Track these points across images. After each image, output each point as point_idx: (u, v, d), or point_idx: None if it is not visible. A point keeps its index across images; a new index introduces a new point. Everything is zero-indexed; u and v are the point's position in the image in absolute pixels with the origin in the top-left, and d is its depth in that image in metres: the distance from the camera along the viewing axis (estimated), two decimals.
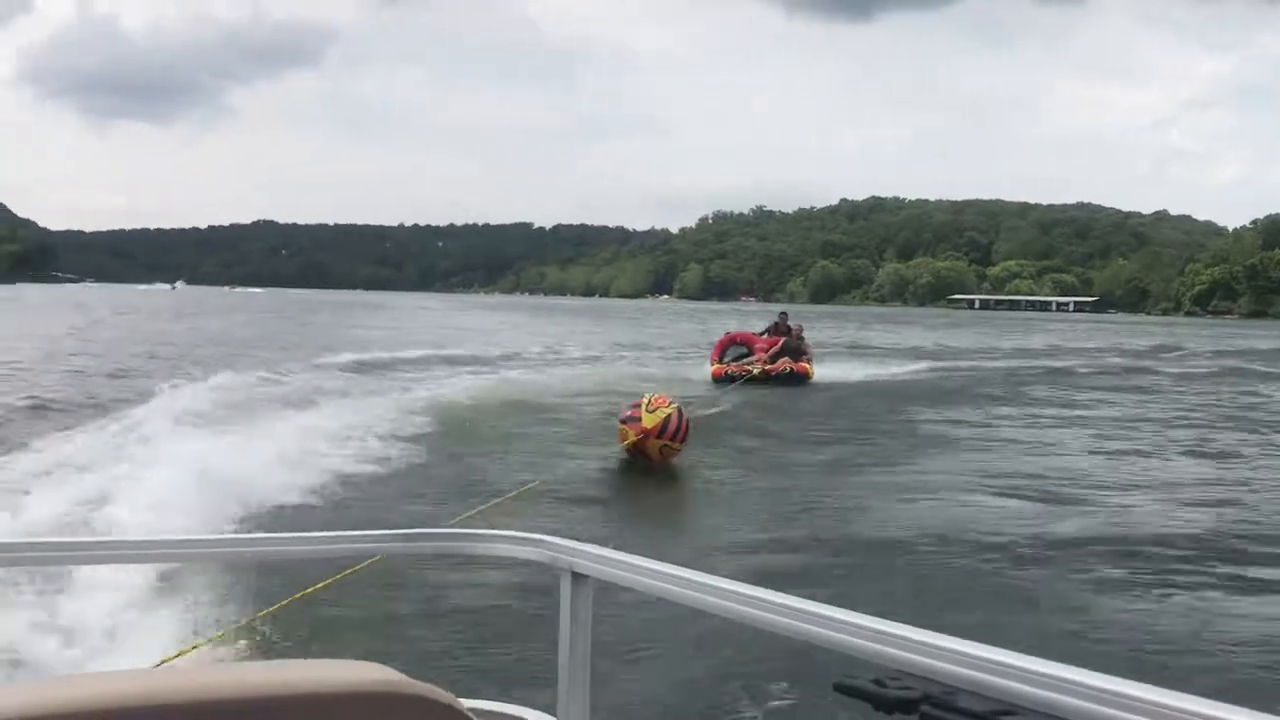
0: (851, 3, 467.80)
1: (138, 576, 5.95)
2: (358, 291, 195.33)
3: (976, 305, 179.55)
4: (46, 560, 2.34)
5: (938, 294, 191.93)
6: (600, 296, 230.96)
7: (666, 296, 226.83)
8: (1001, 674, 1.10)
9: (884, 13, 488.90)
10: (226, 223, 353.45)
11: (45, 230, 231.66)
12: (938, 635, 1.20)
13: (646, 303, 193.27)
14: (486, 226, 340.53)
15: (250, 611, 5.48)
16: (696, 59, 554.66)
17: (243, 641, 5.40)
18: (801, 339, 22.85)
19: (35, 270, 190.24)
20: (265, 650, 5.35)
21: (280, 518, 8.36)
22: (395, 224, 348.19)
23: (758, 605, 1.44)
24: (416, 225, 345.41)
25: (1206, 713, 0.96)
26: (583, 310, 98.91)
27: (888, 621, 1.26)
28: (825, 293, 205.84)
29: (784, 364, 21.47)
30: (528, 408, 16.81)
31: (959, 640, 1.18)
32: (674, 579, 1.59)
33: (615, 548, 1.77)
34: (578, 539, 1.83)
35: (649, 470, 11.55)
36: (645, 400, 11.74)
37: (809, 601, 1.38)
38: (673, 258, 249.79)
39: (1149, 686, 1.00)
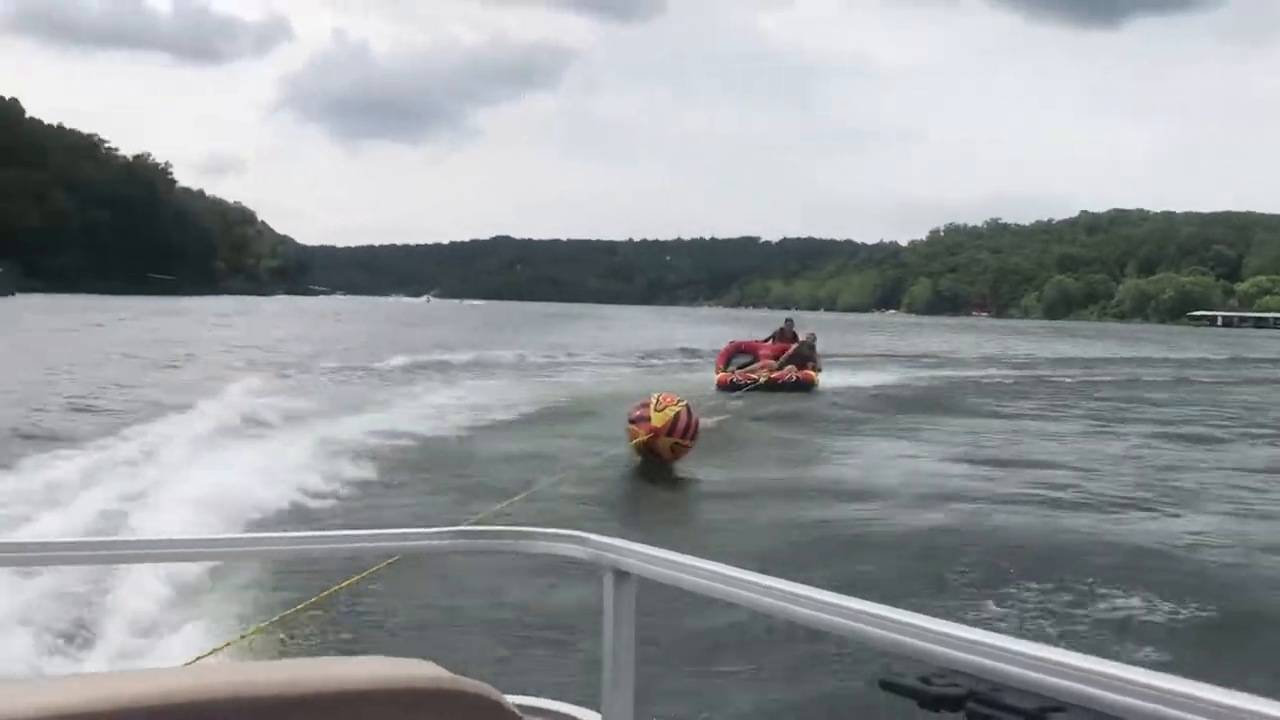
0: (1097, 7, 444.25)
1: (188, 574, 6.13)
2: (583, 304, 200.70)
3: (1219, 322, 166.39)
4: (123, 558, 2.29)
5: (1180, 310, 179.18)
6: (825, 310, 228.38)
7: (894, 310, 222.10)
8: (1048, 671, 1.08)
9: (1131, 17, 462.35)
10: (467, 238, 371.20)
11: (302, 246, 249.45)
12: (983, 632, 1.18)
13: (872, 316, 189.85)
14: (713, 240, 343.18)
15: (283, 607, 5.46)
16: (933, 69, 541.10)
17: (282, 636, 5.44)
18: (813, 347, 22.73)
19: (293, 283, 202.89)
20: (306, 647, 5.40)
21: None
22: (624, 239, 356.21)
23: (803, 603, 1.43)
24: (645, 240, 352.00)
25: (1269, 713, 0.92)
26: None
27: (933, 619, 1.25)
28: (1060, 308, 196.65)
29: (789, 372, 21.39)
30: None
31: (1005, 637, 1.16)
32: (718, 576, 1.57)
33: (658, 544, 1.74)
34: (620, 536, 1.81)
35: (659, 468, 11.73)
36: (654, 399, 11.81)
37: (855, 599, 1.36)
38: (901, 271, 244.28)
39: (1205, 685, 0.97)
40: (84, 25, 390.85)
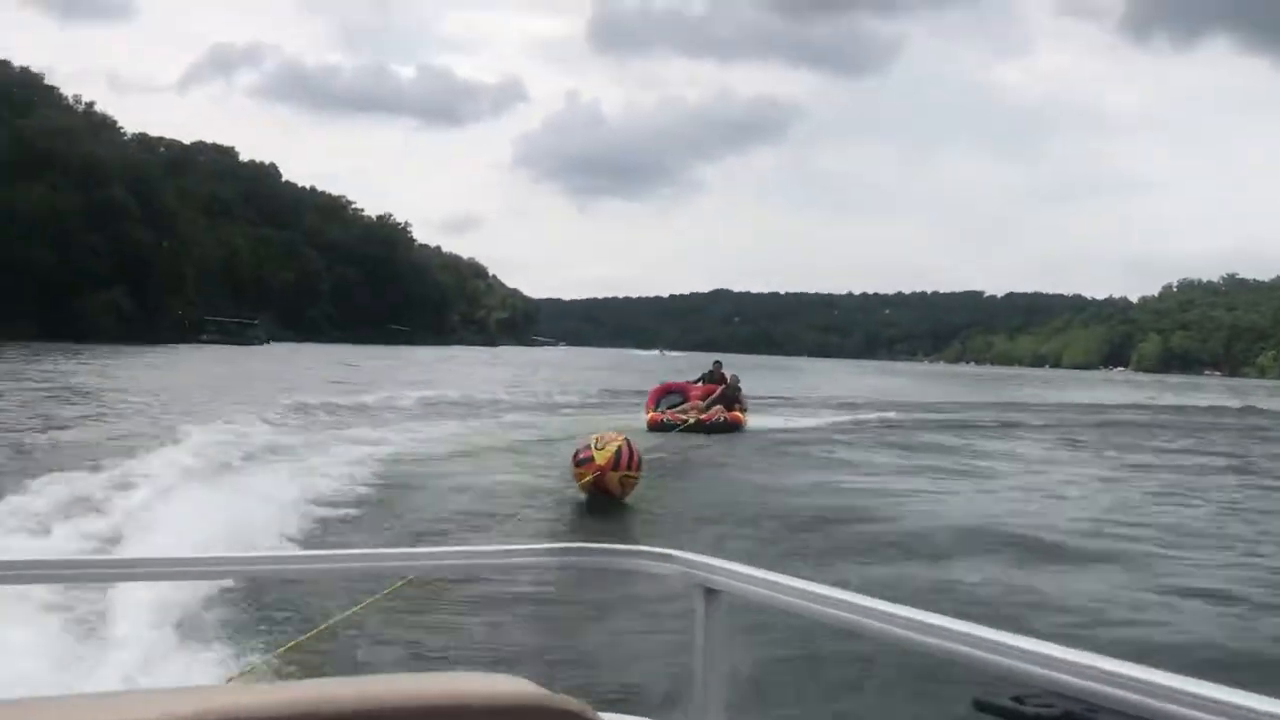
0: None
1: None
2: (793, 358, 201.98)
3: None
4: (160, 575, 2.34)
5: None
6: (1049, 367, 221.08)
7: (1121, 369, 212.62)
8: (1146, 692, 1.05)
9: None
10: (686, 291, 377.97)
11: (529, 298, 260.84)
12: (1078, 651, 1.16)
13: (1096, 374, 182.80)
14: (935, 294, 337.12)
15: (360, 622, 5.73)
16: (1169, 118, 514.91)
17: (369, 650, 5.62)
18: (738, 389, 23.30)
19: (518, 334, 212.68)
20: (396, 661, 5.53)
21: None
22: (844, 292, 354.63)
23: (897, 622, 1.43)
24: (865, 293, 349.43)
25: None
26: (1002, 379, 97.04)
27: (1027, 638, 1.23)
28: None
29: (717, 412, 21.90)
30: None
31: (1100, 656, 1.14)
32: (811, 595, 1.59)
33: (748, 562, 1.77)
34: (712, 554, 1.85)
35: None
36: (594, 439, 12.07)
37: (949, 618, 1.35)
38: (1130, 327, 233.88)
39: None
40: (336, 92, 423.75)
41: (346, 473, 13.28)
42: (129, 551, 6.94)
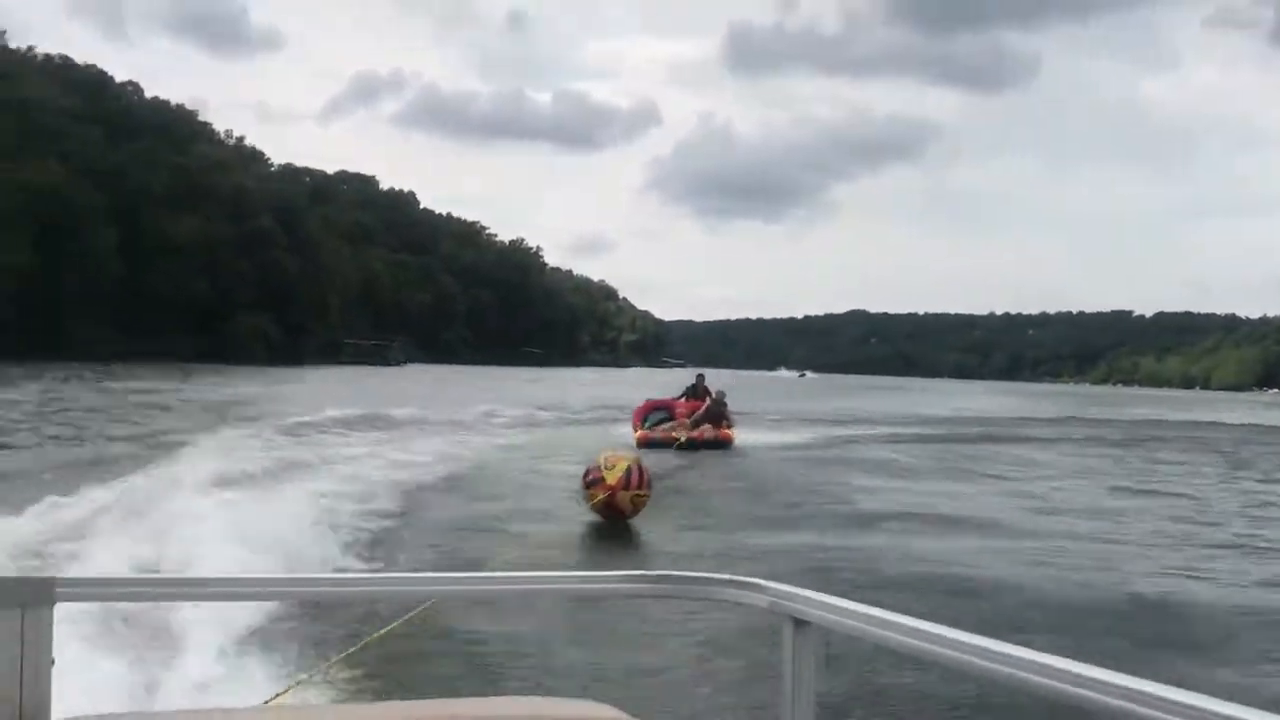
0: None
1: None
2: (929, 379, 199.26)
3: None
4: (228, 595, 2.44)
5: None
6: (1199, 388, 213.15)
7: (1276, 390, 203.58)
8: None
9: None
10: (821, 312, 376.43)
11: (659, 321, 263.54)
12: (1225, 703, 1.09)
13: (1246, 395, 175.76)
14: (1080, 314, 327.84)
15: (466, 646, 5.88)
16: None
17: (455, 676, 5.76)
18: (724, 404, 22.94)
19: (648, 356, 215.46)
20: (482, 686, 5.58)
21: None
22: (985, 312, 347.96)
23: (1006, 662, 1.34)
24: (1007, 314, 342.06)
25: None
26: (1122, 399, 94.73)
27: (1167, 686, 1.15)
28: None
29: (706, 430, 21.54)
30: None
31: (1246, 709, 1.09)
32: (907, 630, 1.54)
33: (838, 594, 1.75)
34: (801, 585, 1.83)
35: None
36: (602, 459, 12.00)
37: (1075, 662, 1.26)
38: None
39: None
40: (474, 118, 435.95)
41: None
42: (204, 569, 7.22)
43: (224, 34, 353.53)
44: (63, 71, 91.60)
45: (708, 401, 22.96)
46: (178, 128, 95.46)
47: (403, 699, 2.28)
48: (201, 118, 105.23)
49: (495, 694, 4.27)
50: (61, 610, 1.75)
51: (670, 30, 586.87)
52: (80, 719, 1.76)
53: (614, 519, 11.54)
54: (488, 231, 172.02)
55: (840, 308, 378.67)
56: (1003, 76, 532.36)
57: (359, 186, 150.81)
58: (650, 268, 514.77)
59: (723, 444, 21.21)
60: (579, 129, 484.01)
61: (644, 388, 66.66)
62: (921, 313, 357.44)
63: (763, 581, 1.86)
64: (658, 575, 2.05)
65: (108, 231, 76.46)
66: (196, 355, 72.67)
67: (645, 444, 19.91)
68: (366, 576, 2.50)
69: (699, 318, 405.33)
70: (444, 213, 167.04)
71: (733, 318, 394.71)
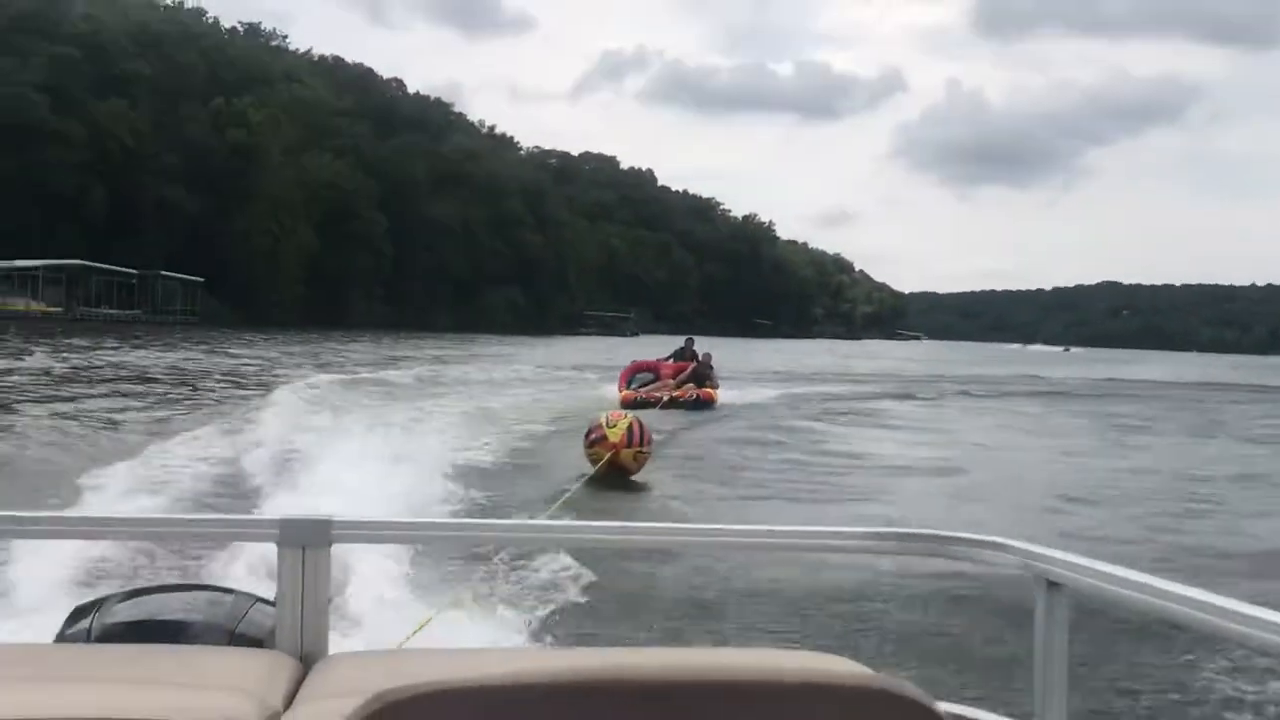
0: None
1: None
2: (1180, 353, 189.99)
3: None
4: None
5: None
6: None
7: None
8: None
9: None
10: (1070, 284, 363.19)
11: (897, 292, 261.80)
12: None
13: None
14: None
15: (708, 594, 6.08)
16: None
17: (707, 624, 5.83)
18: (710, 367, 23.54)
19: (885, 328, 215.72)
20: (722, 637, 5.61)
21: None
22: (1247, 283, 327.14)
23: (1272, 629, 1.30)
24: (1271, 285, 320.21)
25: None
26: None
27: None
28: None
29: (690, 390, 22.06)
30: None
31: None
32: (1165, 594, 1.48)
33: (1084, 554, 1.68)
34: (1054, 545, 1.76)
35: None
36: (603, 419, 12.29)
37: None
38: None
39: None
40: (716, 92, 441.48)
41: None
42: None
43: (478, 17, 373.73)
44: (335, 70, 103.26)
45: (694, 364, 23.56)
46: (436, 120, 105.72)
47: (633, 646, 2.65)
48: (457, 99, 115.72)
49: (725, 644, 4.34)
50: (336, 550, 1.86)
51: None
52: (355, 653, 1.94)
53: (617, 475, 11.75)
54: (722, 207, 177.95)
55: (1091, 278, 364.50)
56: (1275, 32, 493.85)
57: (600, 166, 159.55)
58: (894, 238, 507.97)
59: (706, 404, 21.60)
60: (821, 99, 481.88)
61: (858, 358, 69.78)
62: (1178, 284, 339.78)
63: (1013, 541, 1.83)
64: (901, 532, 2.06)
65: (378, 216, 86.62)
66: (454, 326, 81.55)
67: (630, 404, 19.86)
68: (603, 524, 2.55)
69: (942, 289, 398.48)
70: (680, 189, 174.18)
71: (977, 289, 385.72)
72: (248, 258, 75.28)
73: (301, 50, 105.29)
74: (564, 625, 5.56)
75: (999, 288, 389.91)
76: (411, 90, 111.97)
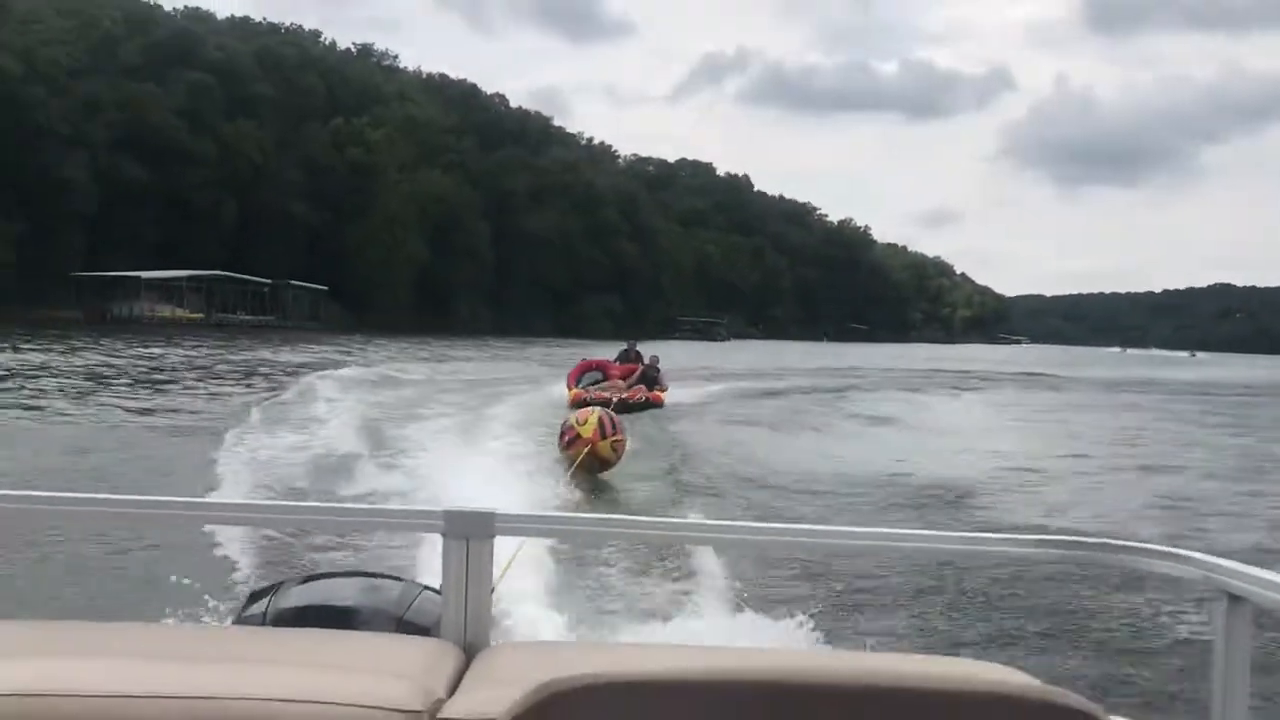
0: None
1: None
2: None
3: None
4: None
5: None
6: None
7: None
8: None
9: None
10: (1181, 285, 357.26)
11: (1000, 296, 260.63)
12: None
13: None
14: None
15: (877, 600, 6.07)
16: None
17: (867, 629, 5.80)
18: (656, 370, 24.05)
19: (986, 331, 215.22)
20: (880, 643, 5.48)
21: None
22: None
23: None
24: None
25: None
26: None
27: None
28: None
29: (639, 391, 22.52)
30: None
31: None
32: None
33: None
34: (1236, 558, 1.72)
35: None
36: (572, 419, 12.46)
37: None
38: None
39: None
40: (816, 92, 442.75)
41: None
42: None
43: (580, 23, 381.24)
44: (442, 88, 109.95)
45: (640, 366, 24.03)
46: (536, 133, 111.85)
47: (787, 649, 3.03)
48: (557, 103, 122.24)
49: (883, 650, 4.61)
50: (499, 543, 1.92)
51: None
52: (517, 643, 2.06)
53: (599, 469, 11.95)
54: (818, 211, 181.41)
55: (1203, 280, 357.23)
56: None
57: (696, 172, 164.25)
58: (999, 240, 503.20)
59: (654, 405, 21.95)
60: (926, 97, 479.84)
61: (948, 361, 72.08)
62: None
63: (1194, 553, 1.79)
64: (1068, 540, 2.01)
65: (482, 226, 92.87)
66: (554, 331, 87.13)
67: (578, 402, 20.05)
68: (758, 525, 2.57)
69: (1048, 291, 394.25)
70: (776, 193, 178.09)
71: (1084, 291, 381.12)
72: (364, 267, 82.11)
73: (411, 68, 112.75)
74: (714, 621, 5.54)
75: (1107, 290, 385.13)
76: (514, 102, 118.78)
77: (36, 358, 28.76)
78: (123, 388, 22.37)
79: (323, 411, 17.18)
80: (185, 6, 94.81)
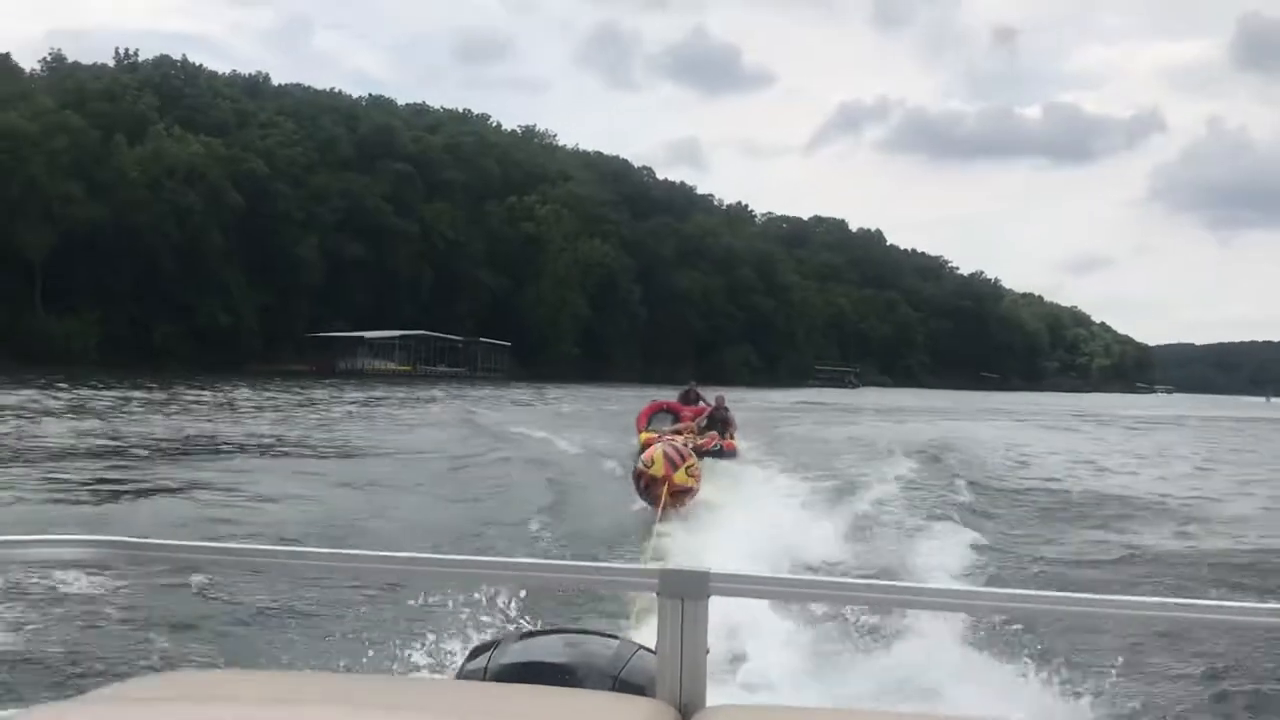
0: None
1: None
2: None
3: None
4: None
5: None
6: None
7: None
8: None
9: None
10: None
11: (1140, 344, 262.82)
12: None
13: None
14: None
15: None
16: None
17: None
18: (726, 410, 23.21)
19: (1125, 380, 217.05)
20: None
21: None
22: None
23: None
24: None
25: None
26: None
27: None
28: None
29: (714, 438, 21.70)
30: None
31: None
32: None
33: None
34: None
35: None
36: (640, 463, 12.67)
37: None
38: None
39: None
40: (958, 139, 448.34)
41: None
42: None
43: (718, 76, 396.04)
44: (596, 164, 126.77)
45: (711, 408, 23.27)
46: (680, 201, 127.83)
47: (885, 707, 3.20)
48: (696, 156, 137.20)
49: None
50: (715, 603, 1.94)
51: (1171, 31, 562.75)
52: (734, 705, 1.99)
53: (683, 501, 12.09)
54: (949, 265, 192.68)
55: None
56: None
57: (830, 228, 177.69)
58: (1147, 286, 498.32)
59: (728, 454, 21.30)
60: (1071, 141, 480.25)
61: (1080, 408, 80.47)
62: None
63: None
64: (1234, 606, 1.96)
65: (635, 287, 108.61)
66: (696, 379, 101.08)
67: (648, 445, 19.86)
68: (995, 591, 2.73)
69: (1199, 340, 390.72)
70: (908, 247, 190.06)
71: (1235, 340, 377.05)
72: (536, 324, 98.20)
73: (569, 145, 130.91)
74: (937, 686, 5.43)
75: (1260, 338, 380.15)
76: (653, 156, 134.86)
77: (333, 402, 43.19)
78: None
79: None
80: (370, 95, 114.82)
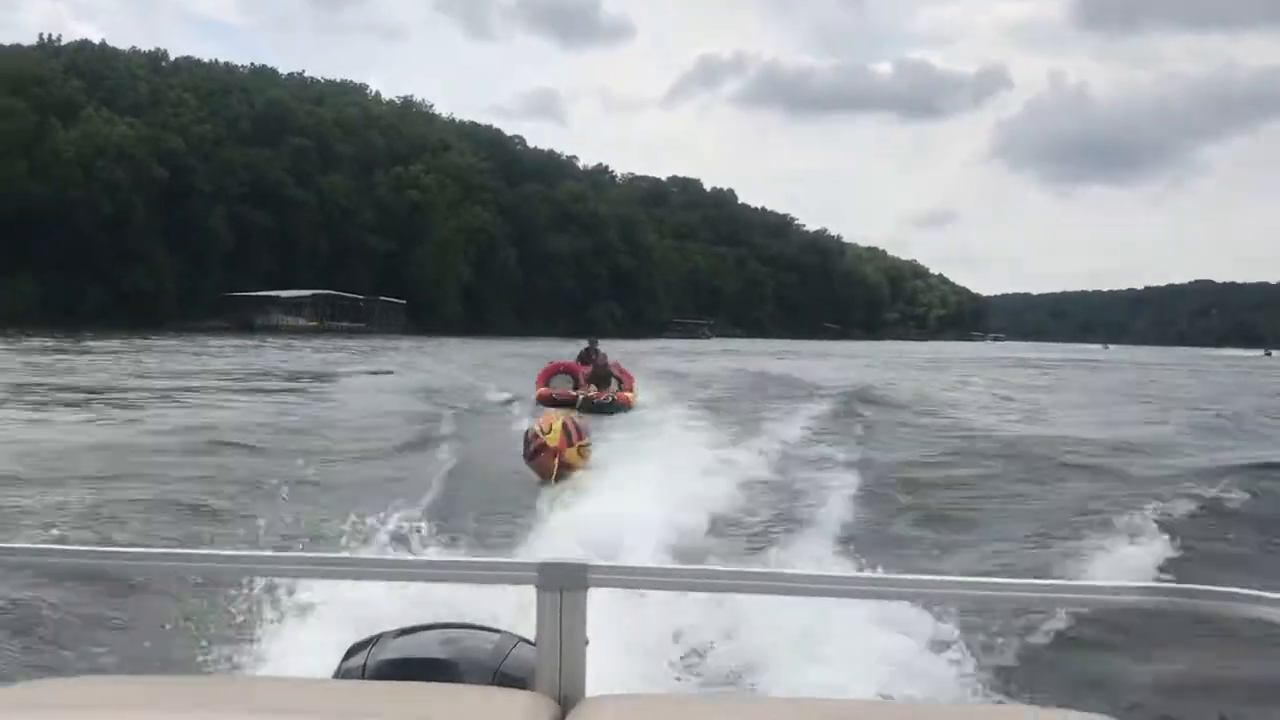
0: None
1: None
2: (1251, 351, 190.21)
3: None
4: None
5: None
6: None
7: None
8: None
9: None
10: (1162, 283, 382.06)
11: (975, 295, 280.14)
12: None
13: None
14: None
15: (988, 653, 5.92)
16: None
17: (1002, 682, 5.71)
18: (608, 368, 23.70)
19: (959, 330, 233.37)
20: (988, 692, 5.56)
21: None
22: None
23: None
24: None
25: None
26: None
27: None
28: None
29: (609, 393, 22.26)
30: None
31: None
32: None
33: None
34: None
35: None
36: (536, 427, 12.54)
37: None
38: None
39: None
40: (812, 93, 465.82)
41: None
42: None
43: (576, 27, 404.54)
44: (471, 133, 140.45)
45: (591, 366, 23.79)
46: (550, 168, 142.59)
47: (890, 701, 3.10)
48: (554, 107, 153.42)
49: (984, 702, 4.80)
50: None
51: None
52: (613, 696, 2.01)
53: (565, 476, 12.06)
54: (797, 222, 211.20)
55: (1184, 278, 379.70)
56: None
57: (686, 188, 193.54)
58: (990, 238, 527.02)
59: (621, 406, 21.56)
60: (920, 97, 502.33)
61: (869, 361, 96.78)
62: (1274, 281, 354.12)
63: None
64: (1183, 589, 1.98)
65: (511, 251, 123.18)
66: (569, 333, 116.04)
67: (545, 400, 20.95)
68: (863, 576, 2.70)
69: (1035, 290, 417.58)
70: (758, 206, 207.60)
71: (1071, 290, 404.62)
72: (424, 285, 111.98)
73: (445, 115, 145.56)
74: (810, 671, 5.30)
75: (1090, 288, 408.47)
76: (512, 107, 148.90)
77: (274, 353, 52.30)
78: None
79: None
80: (252, 63, 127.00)
